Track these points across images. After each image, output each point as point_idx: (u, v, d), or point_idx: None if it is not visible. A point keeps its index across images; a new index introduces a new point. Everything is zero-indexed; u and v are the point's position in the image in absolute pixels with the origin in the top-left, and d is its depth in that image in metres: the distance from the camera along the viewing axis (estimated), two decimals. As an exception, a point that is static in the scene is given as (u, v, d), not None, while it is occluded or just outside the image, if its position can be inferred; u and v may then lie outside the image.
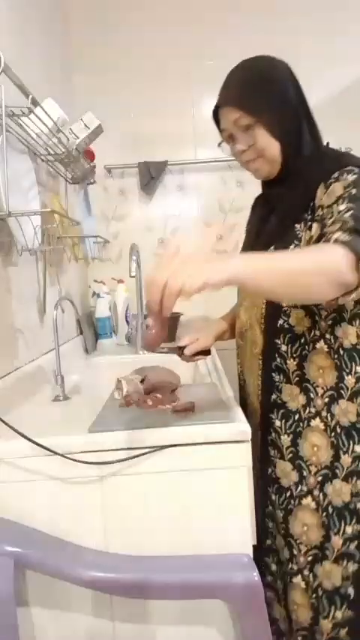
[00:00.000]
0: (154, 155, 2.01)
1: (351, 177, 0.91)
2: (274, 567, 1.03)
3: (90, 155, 1.69)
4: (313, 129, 1.03)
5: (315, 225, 0.94)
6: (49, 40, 1.68)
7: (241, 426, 0.88)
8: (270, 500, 1.03)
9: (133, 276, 1.50)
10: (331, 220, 0.87)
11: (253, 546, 1.02)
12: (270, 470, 1.02)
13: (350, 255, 0.79)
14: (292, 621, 1.01)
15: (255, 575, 0.83)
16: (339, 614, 0.96)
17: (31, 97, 1.00)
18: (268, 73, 0.99)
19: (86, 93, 2.00)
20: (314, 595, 0.98)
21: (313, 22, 1.98)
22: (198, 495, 0.88)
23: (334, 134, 1.96)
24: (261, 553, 1.04)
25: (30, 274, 1.33)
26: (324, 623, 0.97)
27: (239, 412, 0.95)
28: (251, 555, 0.88)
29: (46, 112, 1.14)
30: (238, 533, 0.89)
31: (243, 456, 0.87)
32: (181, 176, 2.08)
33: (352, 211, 0.84)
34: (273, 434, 1.01)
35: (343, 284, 0.81)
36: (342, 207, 0.87)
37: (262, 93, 0.97)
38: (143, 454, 0.86)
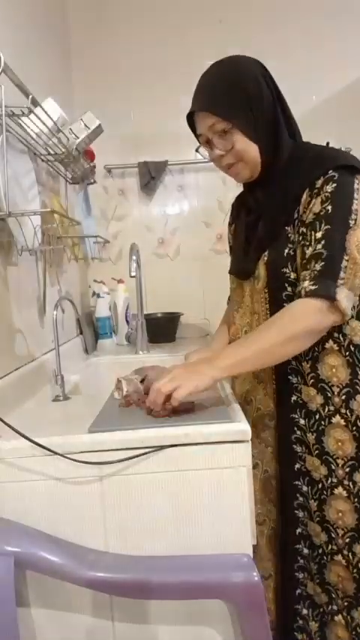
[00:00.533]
0: (154, 155, 2.01)
1: (330, 189, 0.94)
2: (306, 551, 1.08)
3: (90, 155, 1.69)
4: (290, 124, 1.03)
5: (297, 236, 0.98)
6: (49, 40, 1.68)
7: (241, 426, 0.88)
8: (300, 493, 1.06)
9: (133, 276, 1.50)
10: (308, 253, 0.94)
11: (285, 534, 1.09)
12: (298, 465, 1.05)
13: (323, 303, 0.90)
14: (331, 593, 1.06)
15: (255, 575, 0.83)
16: None
17: (31, 97, 1.00)
18: (239, 74, 0.98)
19: (86, 93, 2.00)
20: (355, 570, 1.02)
21: (314, 20, 1.98)
22: (198, 495, 0.88)
23: (335, 134, 1.97)
24: (291, 541, 1.08)
25: (30, 274, 1.33)
26: None
27: (239, 412, 0.95)
28: (251, 555, 0.88)
29: (46, 112, 1.14)
30: (238, 533, 0.89)
31: (243, 456, 0.87)
32: (181, 176, 2.08)
33: (323, 242, 0.92)
34: (298, 432, 1.04)
35: (323, 330, 0.95)
36: (318, 234, 0.93)
37: (235, 96, 0.97)
38: (143, 454, 0.86)
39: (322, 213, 0.94)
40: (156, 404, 0.92)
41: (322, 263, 0.91)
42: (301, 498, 1.06)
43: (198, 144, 1.08)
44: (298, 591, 1.10)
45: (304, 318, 0.92)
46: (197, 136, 1.06)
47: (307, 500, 1.05)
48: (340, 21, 1.98)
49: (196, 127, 1.05)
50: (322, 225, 0.93)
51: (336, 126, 1.98)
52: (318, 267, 0.91)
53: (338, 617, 1.05)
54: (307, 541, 1.07)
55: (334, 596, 1.05)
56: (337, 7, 1.98)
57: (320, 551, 1.06)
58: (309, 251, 0.94)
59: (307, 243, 0.95)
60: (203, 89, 1.01)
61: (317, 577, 1.07)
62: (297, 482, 1.06)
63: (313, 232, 0.94)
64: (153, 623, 0.90)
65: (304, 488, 1.05)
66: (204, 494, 0.88)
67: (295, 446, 1.05)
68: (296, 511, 1.07)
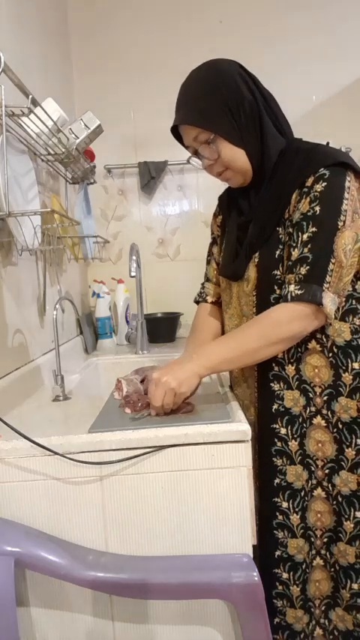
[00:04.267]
0: (154, 155, 2.01)
1: (319, 188, 0.92)
2: (285, 575, 1.03)
3: (90, 155, 1.69)
4: (279, 122, 1.01)
5: (286, 236, 0.97)
6: (49, 40, 1.68)
7: (241, 426, 0.88)
8: (279, 510, 1.02)
9: (133, 276, 1.50)
10: (294, 255, 0.93)
11: (261, 559, 1.04)
12: (278, 480, 1.02)
13: (309, 308, 0.90)
14: (311, 608, 1.04)
15: (255, 575, 0.83)
16: (355, 586, 1.02)
17: (31, 97, 1.00)
18: (215, 80, 0.96)
19: (86, 93, 2.00)
20: (332, 569, 1.03)
21: (313, 21, 1.98)
22: (198, 495, 0.88)
23: (335, 134, 1.97)
24: (269, 565, 1.04)
25: (30, 274, 1.33)
26: (343, 593, 1.03)
27: (239, 412, 0.95)
28: (251, 555, 0.88)
29: (46, 112, 1.14)
30: (238, 533, 0.89)
31: (243, 456, 0.87)
32: (181, 176, 2.08)
33: (309, 245, 0.91)
34: (279, 443, 1.01)
35: (305, 335, 0.95)
36: (305, 236, 0.92)
37: (214, 103, 0.95)
38: (143, 454, 0.86)
39: (309, 214, 0.91)
40: (163, 413, 0.94)
41: (308, 267, 0.90)
42: (280, 517, 1.02)
43: None
44: (277, 620, 1.05)
45: (289, 323, 0.92)
46: (186, 147, 1.05)
47: (288, 517, 1.02)
48: (339, 21, 1.98)
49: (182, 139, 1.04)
50: (310, 227, 0.91)
51: (336, 126, 1.98)
52: (304, 271, 0.90)
53: (317, 631, 1.04)
54: (288, 563, 1.03)
55: (313, 610, 1.04)
56: (337, 8, 1.98)
57: (304, 566, 1.02)
58: (295, 253, 0.92)
59: (294, 245, 0.93)
60: (182, 101, 1.00)
61: (300, 599, 1.03)
62: (276, 499, 1.02)
63: (300, 234, 0.92)
64: (153, 623, 0.90)
65: (284, 505, 1.01)
66: (204, 494, 0.88)
67: (274, 459, 1.01)
68: (275, 531, 1.02)
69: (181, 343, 1.93)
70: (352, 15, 1.98)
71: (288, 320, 0.92)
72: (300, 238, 0.92)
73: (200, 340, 1.19)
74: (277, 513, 1.02)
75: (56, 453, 0.85)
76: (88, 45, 2.01)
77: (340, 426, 0.98)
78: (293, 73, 1.96)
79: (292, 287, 0.91)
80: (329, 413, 0.98)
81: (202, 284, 1.28)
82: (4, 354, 1.12)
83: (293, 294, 0.90)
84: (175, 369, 0.94)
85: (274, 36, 1.98)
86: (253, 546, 0.90)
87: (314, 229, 0.91)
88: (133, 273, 1.49)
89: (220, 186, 1.99)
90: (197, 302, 1.28)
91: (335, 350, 0.97)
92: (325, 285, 0.89)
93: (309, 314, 0.91)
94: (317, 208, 0.91)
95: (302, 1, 1.98)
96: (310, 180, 0.93)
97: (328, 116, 2.00)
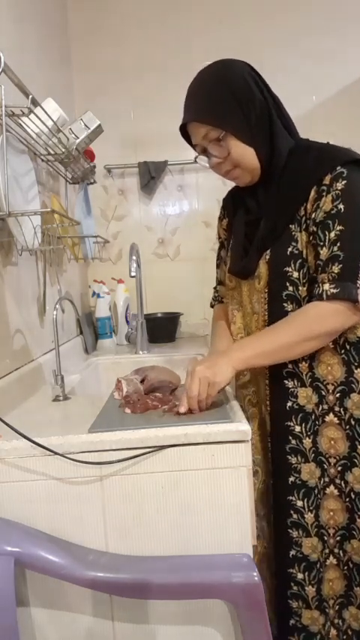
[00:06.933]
0: (154, 155, 2.01)
1: (340, 186, 0.93)
2: (300, 576, 1.03)
3: (90, 155, 1.69)
4: (287, 121, 1.02)
5: (305, 234, 0.97)
6: (48, 40, 1.68)
7: (241, 426, 0.88)
8: (294, 509, 1.02)
9: (133, 276, 1.50)
10: (323, 255, 0.93)
11: (276, 559, 1.05)
12: (292, 478, 1.02)
13: (346, 305, 0.91)
14: (325, 609, 1.04)
15: (255, 575, 0.83)
16: None
17: (31, 97, 1.00)
18: (226, 78, 0.97)
19: (86, 93, 2.00)
20: (346, 567, 1.03)
21: (313, 21, 1.98)
22: (198, 495, 0.88)
23: (335, 134, 1.97)
24: (284, 565, 1.04)
25: (30, 274, 1.33)
26: (357, 590, 1.03)
27: (239, 412, 0.95)
28: (251, 555, 0.88)
29: (46, 112, 1.14)
30: (238, 533, 0.89)
31: (243, 456, 0.87)
32: (181, 176, 2.08)
33: (338, 244, 0.92)
34: (293, 441, 1.02)
35: (342, 331, 0.96)
36: (332, 235, 0.93)
37: (224, 101, 0.95)
38: (143, 454, 0.86)
39: (333, 212, 0.93)
40: (196, 408, 0.94)
41: (340, 265, 0.91)
42: (295, 515, 1.02)
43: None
44: (292, 622, 1.05)
45: (326, 320, 0.93)
46: (193, 147, 1.05)
47: (302, 516, 1.02)
48: (339, 21, 1.98)
49: (190, 138, 1.03)
50: (336, 225, 0.92)
51: (336, 126, 1.98)
52: (336, 269, 0.92)
53: (332, 632, 1.04)
54: (303, 563, 1.03)
55: (327, 610, 1.04)
56: (337, 8, 1.98)
57: (318, 566, 1.02)
58: (323, 252, 0.93)
59: (321, 244, 0.94)
60: (192, 98, 1.00)
61: (315, 600, 1.03)
62: (291, 498, 1.02)
63: (327, 232, 0.93)
64: (153, 623, 0.90)
65: (299, 503, 1.02)
66: (204, 495, 0.88)
67: (289, 457, 1.02)
68: (289, 530, 1.03)
69: (181, 343, 1.93)
70: (352, 15, 1.98)
71: (325, 316, 0.93)
72: (327, 237, 0.93)
73: (223, 335, 1.21)
74: (292, 512, 1.02)
75: (56, 453, 0.85)
76: (88, 45, 2.00)
77: (353, 422, 0.99)
78: (293, 73, 1.96)
79: (326, 286, 0.92)
80: (342, 410, 0.99)
81: (215, 288, 1.31)
82: (4, 354, 1.12)
83: (329, 293, 0.91)
84: (209, 361, 0.96)
85: (274, 36, 1.98)
86: (254, 547, 0.90)
87: (341, 227, 0.92)
88: (133, 273, 1.49)
89: (221, 186, 2.00)
90: (212, 305, 1.31)
91: (347, 347, 0.99)
92: (359, 282, 0.91)
93: (345, 311, 0.92)
94: (341, 206, 0.92)
95: (302, 1, 1.98)
96: (328, 177, 0.94)
97: (328, 116, 2.00)
